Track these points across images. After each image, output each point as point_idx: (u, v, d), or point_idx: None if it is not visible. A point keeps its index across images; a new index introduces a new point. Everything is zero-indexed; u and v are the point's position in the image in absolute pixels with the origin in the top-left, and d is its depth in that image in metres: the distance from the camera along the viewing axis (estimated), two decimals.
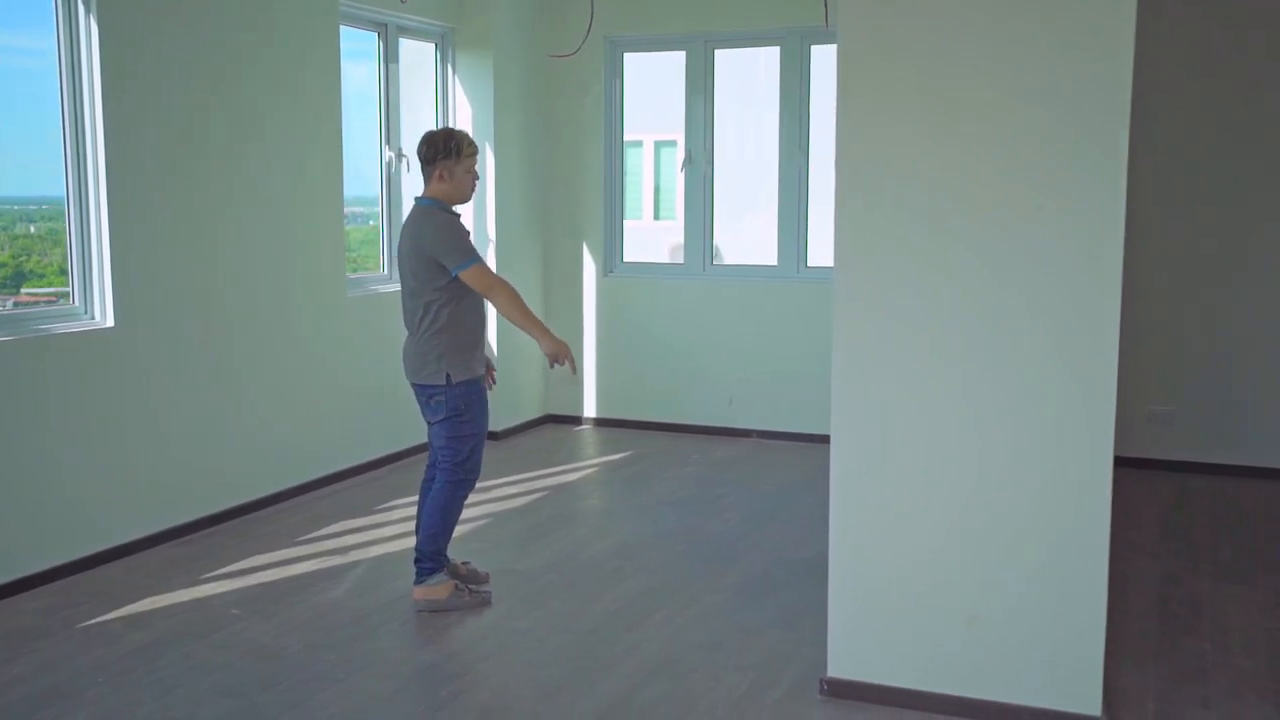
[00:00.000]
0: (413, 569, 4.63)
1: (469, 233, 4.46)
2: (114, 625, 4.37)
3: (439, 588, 4.51)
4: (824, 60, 7.45)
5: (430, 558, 4.52)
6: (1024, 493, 3.48)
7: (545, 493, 6.32)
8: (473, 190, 4.52)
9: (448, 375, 4.37)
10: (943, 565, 3.59)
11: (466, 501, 4.59)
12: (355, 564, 5.10)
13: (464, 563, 4.80)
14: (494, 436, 7.39)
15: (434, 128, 6.38)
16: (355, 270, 6.89)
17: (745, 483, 6.48)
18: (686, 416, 7.74)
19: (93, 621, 4.40)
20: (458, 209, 4.52)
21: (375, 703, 3.73)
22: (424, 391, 4.47)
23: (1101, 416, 3.37)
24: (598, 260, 7.90)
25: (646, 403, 7.85)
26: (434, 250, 4.33)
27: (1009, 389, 3.47)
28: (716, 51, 7.60)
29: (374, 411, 6.66)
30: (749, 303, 7.62)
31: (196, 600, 4.63)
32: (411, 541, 5.15)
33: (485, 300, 4.47)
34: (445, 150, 4.41)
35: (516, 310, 4.35)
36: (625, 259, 7.97)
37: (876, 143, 3.53)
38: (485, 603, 4.54)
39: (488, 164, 7.33)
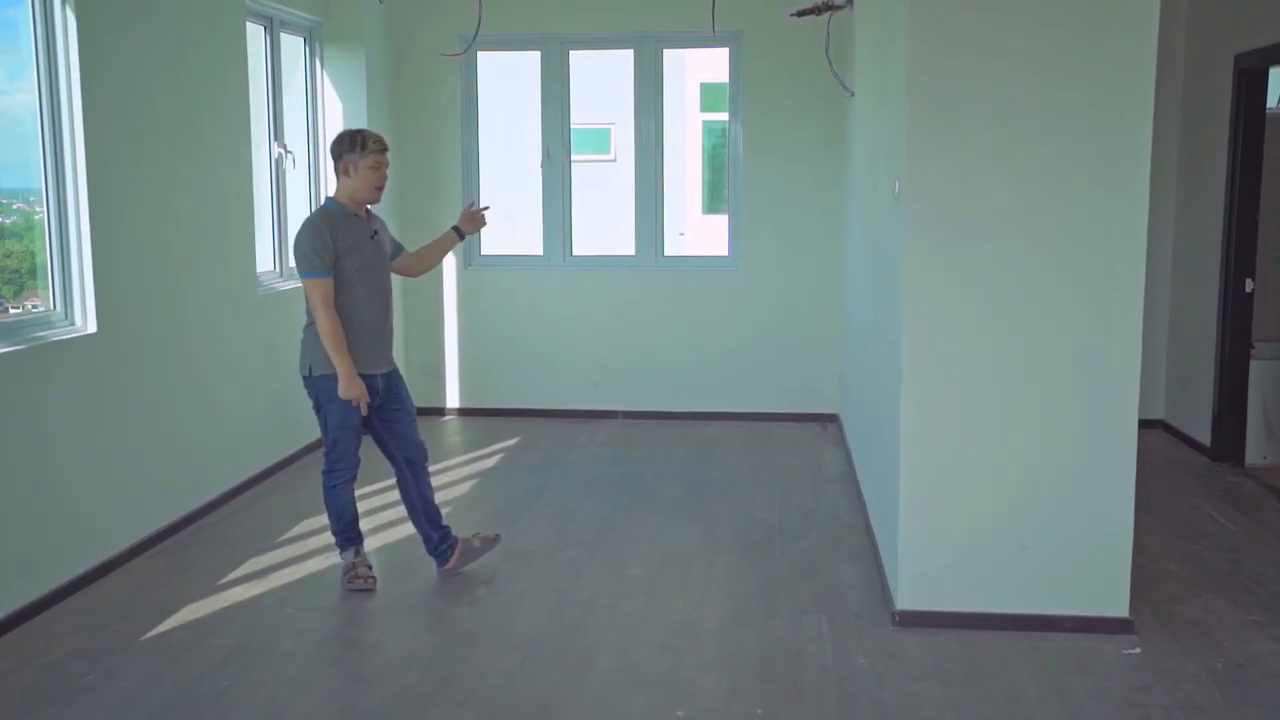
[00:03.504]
0: (423, 554, 4.99)
1: (328, 242, 4.44)
2: (179, 635, 4.29)
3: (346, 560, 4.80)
4: (675, 63, 8.00)
5: (337, 534, 4.80)
6: (1063, 441, 4.21)
7: (476, 479, 6.52)
8: (376, 187, 4.57)
9: (310, 367, 4.57)
10: (996, 506, 4.27)
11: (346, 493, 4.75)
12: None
13: (475, 534, 5.03)
14: None
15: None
16: None
17: (652, 459, 6.95)
18: (551, 402, 8.09)
19: (153, 634, 4.30)
20: (372, 208, 4.69)
21: (527, 672, 3.96)
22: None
23: (1128, 379, 4.15)
24: (457, 253, 8.08)
25: (510, 391, 8.12)
26: (293, 250, 4.56)
27: (1049, 361, 4.18)
28: (571, 53, 7.96)
29: (275, 410, 6.60)
30: (609, 291, 8.07)
31: (238, 605, 4.59)
32: (390, 535, 5.41)
33: (377, 298, 4.64)
34: (350, 144, 4.54)
35: (328, 340, 4.44)
36: (483, 251, 8.19)
37: (943, 154, 4.15)
38: (496, 540, 5.05)
39: None
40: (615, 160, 15.89)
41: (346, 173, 4.55)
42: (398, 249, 4.95)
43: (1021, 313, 4.19)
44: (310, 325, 4.57)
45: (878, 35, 5.40)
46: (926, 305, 4.22)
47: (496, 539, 5.04)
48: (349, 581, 4.72)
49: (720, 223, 8.42)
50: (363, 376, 4.56)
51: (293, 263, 4.82)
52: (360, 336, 4.57)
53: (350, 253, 4.52)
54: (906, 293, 4.23)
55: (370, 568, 4.79)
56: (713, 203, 17.24)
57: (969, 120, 4.13)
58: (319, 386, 4.58)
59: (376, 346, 4.67)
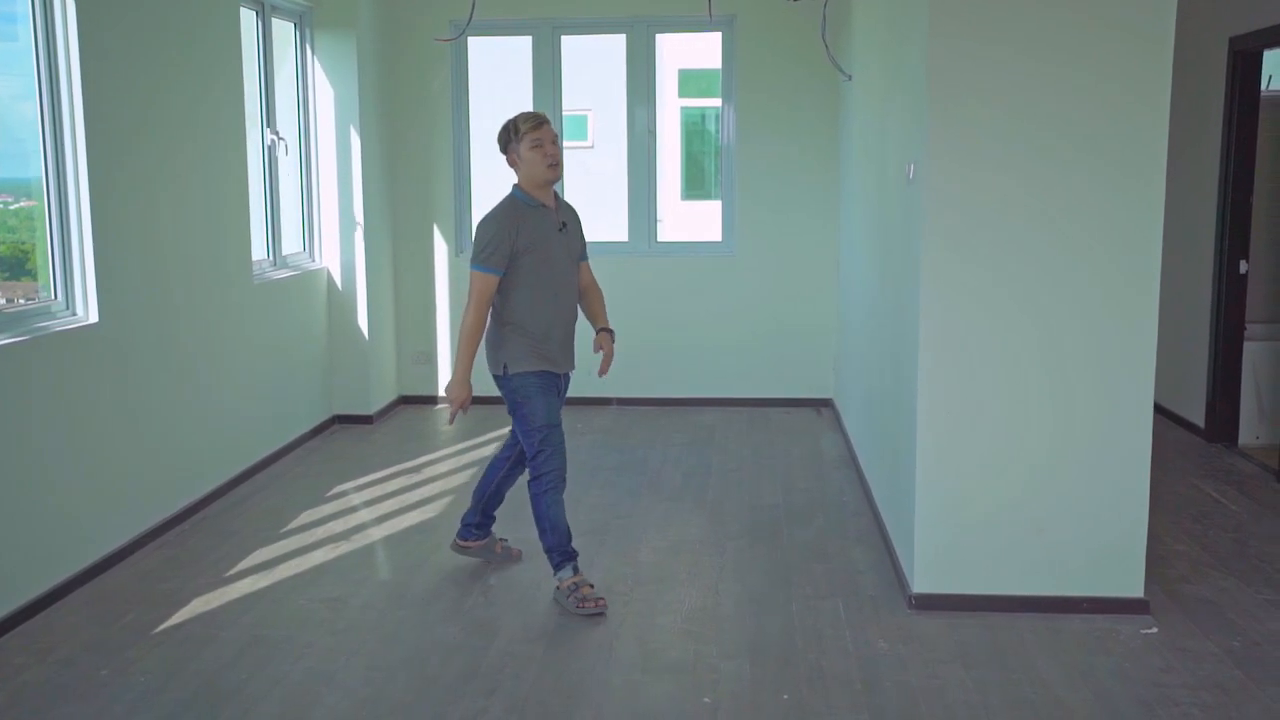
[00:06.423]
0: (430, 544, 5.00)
1: (508, 240, 4.23)
2: (192, 628, 4.24)
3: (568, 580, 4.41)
4: (667, 48, 7.96)
5: (551, 550, 4.44)
6: (1078, 424, 4.22)
7: (476, 467, 6.47)
8: (550, 164, 4.29)
9: (504, 366, 4.38)
10: (1011, 489, 4.28)
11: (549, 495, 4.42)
12: (369, 548, 5.14)
13: (503, 540, 4.94)
14: (365, 420, 7.43)
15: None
16: None
17: (651, 445, 6.93)
18: None
19: (164, 626, 4.24)
20: (537, 197, 4.36)
21: (549, 661, 3.93)
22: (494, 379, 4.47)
23: (1143, 362, 4.17)
24: (449, 240, 8.03)
25: None
26: (475, 235, 4.34)
27: (1065, 345, 4.19)
28: (563, 38, 7.90)
29: (272, 399, 6.55)
30: (601, 278, 7.94)
31: (249, 597, 4.54)
32: (395, 525, 5.37)
33: (565, 295, 4.43)
34: (506, 135, 4.36)
35: (463, 336, 4.29)
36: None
37: (962, 139, 4.14)
38: (516, 559, 4.90)
39: (353, 149, 7.28)
40: (593, 147, 15.85)
41: (515, 163, 4.34)
42: (583, 253, 4.64)
43: (1038, 297, 4.19)
44: (491, 323, 4.37)
45: (884, 20, 5.38)
46: (943, 290, 4.22)
47: (518, 557, 4.91)
48: (578, 605, 4.29)
49: (697, 209, 8.41)
50: (552, 375, 4.40)
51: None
52: (549, 335, 4.37)
53: (534, 248, 4.28)
54: (924, 278, 4.22)
55: (592, 587, 4.39)
56: (690, 189, 17.22)
57: (987, 106, 4.12)
58: (515, 385, 4.35)
59: (565, 346, 4.47)
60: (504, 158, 4.42)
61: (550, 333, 4.39)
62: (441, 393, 8.13)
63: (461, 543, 4.84)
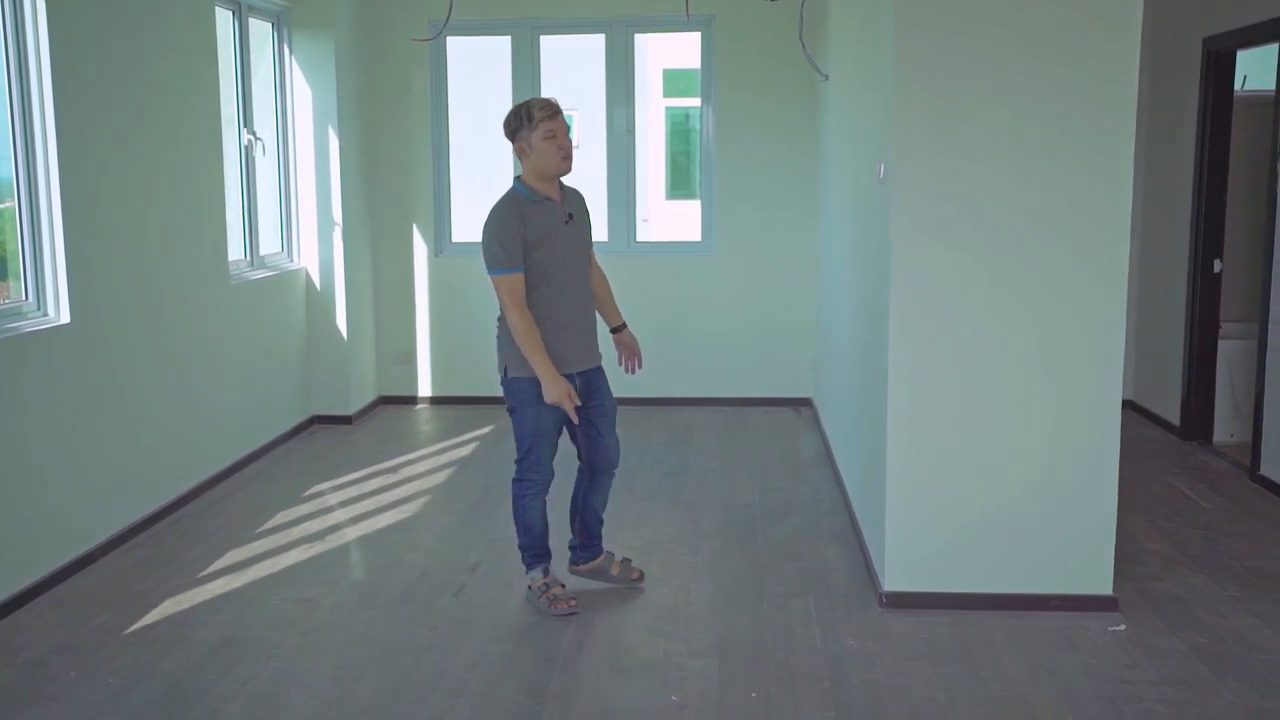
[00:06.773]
0: (406, 544, 5.00)
1: (516, 235, 4.06)
2: (163, 629, 4.24)
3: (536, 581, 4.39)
4: (637, 49, 7.96)
5: (523, 549, 4.42)
6: (1047, 422, 4.24)
7: (453, 467, 6.49)
8: (562, 155, 4.07)
9: (505, 368, 4.24)
10: (982, 487, 4.30)
11: (533, 501, 4.37)
12: (343, 548, 5.14)
13: (622, 559, 4.69)
14: (344, 421, 7.43)
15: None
16: None
17: (629, 445, 6.79)
18: None
19: (135, 628, 4.24)
20: (541, 190, 4.16)
21: (518, 661, 3.94)
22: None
23: (1112, 361, 4.19)
24: (428, 241, 8.03)
25: (482, 379, 8.01)
26: (482, 245, 4.15)
27: (1034, 343, 4.21)
28: (542, 38, 7.91)
29: (249, 400, 6.54)
30: None
31: (221, 598, 4.54)
32: (370, 525, 5.37)
33: (575, 289, 4.26)
34: (518, 120, 4.11)
35: (522, 341, 4.07)
36: (455, 239, 8.14)
37: (931, 137, 4.16)
38: (637, 581, 4.63)
39: (331, 149, 7.28)
40: (579, 147, 15.84)
41: (524, 153, 4.10)
42: (589, 243, 4.42)
43: (1007, 294, 4.21)
44: (498, 325, 4.24)
45: (858, 19, 5.40)
46: (911, 287, 4.23)
47: (639, 580, 4.63)
48: (550, 606, 4.28)
49: (683, 208, 8.41)
50: (535, 379, 4.15)
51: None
52: (559, 333, 4.18)
53: (542, 243, 4.10)
54: (893, 274, 4.24)
55: (564, 587, 4.39)
56: (675, 189, 17.21)
57: (956, 104, 4.13)
58: (513, 389, 4.20)
59: (579, 342, 4.27)
60: (512, 145, 4.18)
61: (564, 330, 4.21)
62: (423, 393, 8.13)
63: (573, 566, 4.61)
